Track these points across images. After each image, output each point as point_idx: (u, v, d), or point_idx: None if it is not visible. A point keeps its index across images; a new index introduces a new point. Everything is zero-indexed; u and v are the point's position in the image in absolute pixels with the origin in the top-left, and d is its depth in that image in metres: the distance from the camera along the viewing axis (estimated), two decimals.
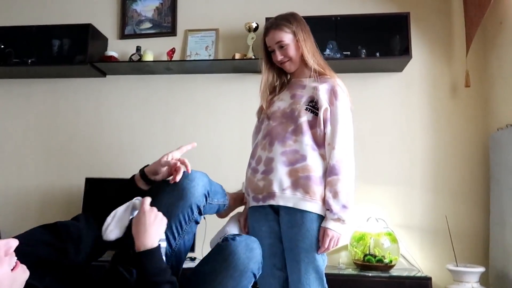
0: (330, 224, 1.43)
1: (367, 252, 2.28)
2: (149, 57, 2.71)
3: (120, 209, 1.12)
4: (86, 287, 1.02)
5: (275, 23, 1.58)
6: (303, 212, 1.45)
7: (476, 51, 2.56)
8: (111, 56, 2.74)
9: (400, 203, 2.51)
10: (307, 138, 1.50)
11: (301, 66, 1.61)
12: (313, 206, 1.45)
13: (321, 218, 1.47)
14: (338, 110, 1.50)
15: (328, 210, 1.44)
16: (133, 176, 1.24)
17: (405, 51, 2.47)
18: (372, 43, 2.58)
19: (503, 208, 2.16)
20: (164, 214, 1.11)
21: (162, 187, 1.21)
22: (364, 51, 2.55)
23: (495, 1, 2.23)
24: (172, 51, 2.73)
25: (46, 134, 2.86)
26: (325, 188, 1.47)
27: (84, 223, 1.10)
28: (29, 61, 2.77)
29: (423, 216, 2.49)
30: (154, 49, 2.75)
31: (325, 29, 2.53)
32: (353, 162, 1.50)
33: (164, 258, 1.08)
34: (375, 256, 2.26)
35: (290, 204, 1.46)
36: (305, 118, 1.52)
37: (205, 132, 2.74)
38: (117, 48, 2.83)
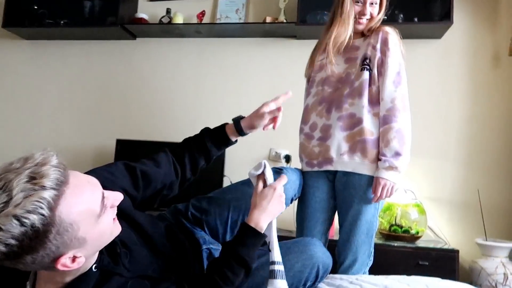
0: (382, 173, 1.40)
1: (393, 223, 2.27)
2: (179, 19, 2.68)
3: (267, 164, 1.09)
4: (151, 241, 0.99)
5: None
6: (361, 175, 1.44)
7: None
8: (141, 18, 2.72)
9: (431, 175, 2.45)
10: (364, 100, 1.46)
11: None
12: (371, 169, 1.44)
13: None
14: (388, 60, 1.47)
15: (379, 160, 1.41)
16: (225, 125, 1.22)
17: (446, 16, 2.33)
18: (410, 7, 2.45)
19: None
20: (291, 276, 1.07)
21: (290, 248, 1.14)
22: (401, 15, 2.43)
23: None
24: (202, 13, 2.68)
25: (79, 94, 2.92)
26: None
27: (166, 168, 1.10)
28: (62, 22, 2.80)
29: (454, 189, 2.43)
30: (184, 12, 2.72)
31: None
32: (407, 110, 1.45)
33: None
34: (401, 227, 2.24)
35: (348, 169, 1.46)
36: (362, 79, 1.48)
37: (235, 96, 2.72)
38: (147, 10, 2.81)
